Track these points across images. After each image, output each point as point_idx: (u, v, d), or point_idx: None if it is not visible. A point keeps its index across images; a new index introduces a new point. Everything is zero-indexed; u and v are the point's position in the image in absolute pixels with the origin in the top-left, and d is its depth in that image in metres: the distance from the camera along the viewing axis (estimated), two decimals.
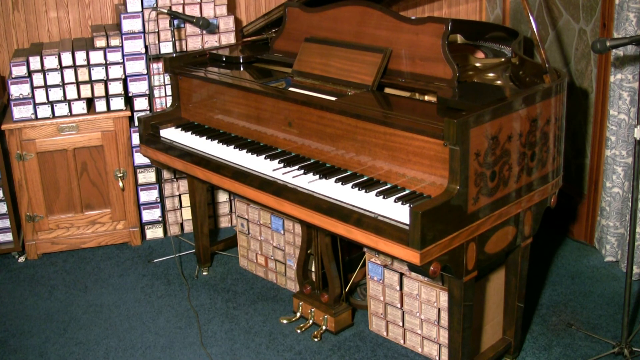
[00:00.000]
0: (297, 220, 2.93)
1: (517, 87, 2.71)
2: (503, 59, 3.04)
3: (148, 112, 3.92)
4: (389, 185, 2.50)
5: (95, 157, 3.89)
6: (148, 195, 4.02)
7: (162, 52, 3.89)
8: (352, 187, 2.49)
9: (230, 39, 3.99)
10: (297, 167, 2.70)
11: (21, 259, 3.93)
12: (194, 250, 3.86)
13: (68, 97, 3.78)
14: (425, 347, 2.98)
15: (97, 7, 4.23)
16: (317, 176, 2.61)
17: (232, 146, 2.98)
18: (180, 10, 3.87)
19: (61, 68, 3.73)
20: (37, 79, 3.72)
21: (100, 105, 3.83)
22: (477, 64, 3.04)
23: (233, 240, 3.89)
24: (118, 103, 3.85)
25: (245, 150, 2.92)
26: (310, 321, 3.19)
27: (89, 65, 3.77)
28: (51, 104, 3.77)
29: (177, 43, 3.93)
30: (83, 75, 3.78)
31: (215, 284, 3.63)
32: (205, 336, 3.19)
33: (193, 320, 3.31)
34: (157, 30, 3.85)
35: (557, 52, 4.00)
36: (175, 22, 3.87)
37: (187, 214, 4.13)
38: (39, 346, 3.17)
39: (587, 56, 3.72)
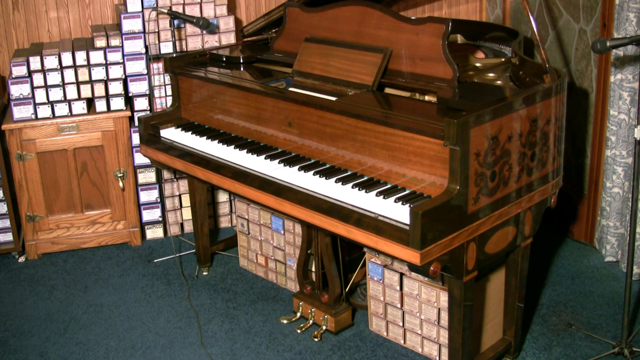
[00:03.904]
0: (297, 220, 2.93)
1: (517, 87, 2.71)
2: (503, 59, 3.04)
3: (148, 112, 3.92)
4: (389, 185, 2.50)
5: (95, 157, 3.89)
6: (148, 195, 4.02)
7: (162, 52, 3.89)
8: (352, 187, 2.49)
9: (231, 39, 3.99)
10: (297, 167, 2.71)
11: (21, 259, 3.93)
12: (194, 250, 3.86)
13: (68, 97, 3.78)
14: (426, 347, 2.98)
15: (97, 7, 4.23)
16: (317, 175, 2.62)
17: (232, 146, 2.98)
18: (180, 10, 3.87)
19: (61, 68, 3.73)
20: (37, 79, 3.72)
21: (101, 105, 3.83)
22: (477, 64, 3.04)
23: (233, 240, 3.89)
24: (118, 103, 3.85)
25: (246, 151, 2.92)
26: (311, 321, 3.19)
27: (89, 65, 3.77)
28: (51, 104, 3.77)
29: (177, 43, 3.93)
30: (83, 75, 3.78)
31: (215, 284, 3.63)
32: (205, 336, 3.19)
33: (193, 320, 3.31)
34: (157, 30, 3.85)
35: (557, 52, 4.00)
36: (176, 22, 3.87)
37: (187, 214, 4.13)
38: (39, 346, 3.17)
39: (587, 56, 3.72)
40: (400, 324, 3.04)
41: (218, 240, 4.05)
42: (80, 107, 3.81)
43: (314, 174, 2.63)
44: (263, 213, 3.53)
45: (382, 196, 2.40)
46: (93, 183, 3.94)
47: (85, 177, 3.92)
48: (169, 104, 3.92)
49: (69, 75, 3.75)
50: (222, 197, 4.20)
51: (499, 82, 2.81)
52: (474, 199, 2.32)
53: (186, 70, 3.33)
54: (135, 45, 3.82)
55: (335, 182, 2.55)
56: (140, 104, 3.91)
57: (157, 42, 3.87)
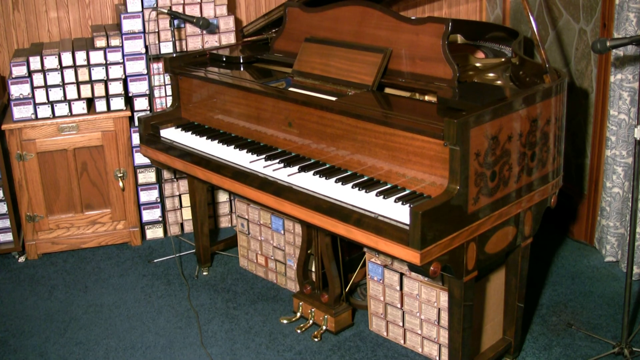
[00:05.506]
0: (297, 220, 2.93)
1: (517, 87, 2.71)
2: (503, 59, 3.04)
3: (148, 112, 3.92)
4: (389, 185, 2.50)
5: (95, 157, 3.89)
6: (148, 195, 4.02)
7: (162, 52, 3.89)
8: (352, 187, 2.49)
9: (231, 39, 3.99)
10: (297, 167, 2.71)
11: (21, 259, 3.93)
12: (194, 250, 3.86)
13: (68, 97, 3.78)
14: (426, 347, 2.98)
15: (97, 7, 4.23)
16: (318, 175, 2.62)
17: (232, 146, 2.98)
18: (180, 10, 3.87)
19: (61, 68, 3.73)
20: (37, 79, 3.72)
21: (101, 105, 3.83)
22: (477, 64, 3.04)
23: (233, 240, 3.89)
24: (118, 103, 3.85)
25: (246, 151, 2.92)
26: (311, 321, 3.19)
27: (89, 65, 3.77)
28: (51, 104, 3.77)
29: (177, 43, 3.93)
30: (83, 75, 3.78)
31: (215, 284, 3.63)
32: (205, 336, 3.19)
33: (193, 320, 3.31)
34: (157, 30, 3.85)
35: (557, 52, 4.00)
36: (176, 22, 3.87)
37: (187, 214, 4.13)
38: (39, 346, 3.17)
39: (587, 56, 3.72)
40: (400, 324, 3.04)
41: (218, 240, 4.05)
42: (80, 107, 3.81)
43: (314, 174, 2.63)
44: (263, 213, 3.53)
45: (382, 196, 2.40)
46: (93, 183, 3.94)
47: (85, 177, 3.92)
48: (169, 104, 3.93)
49: (69, 75, 3.75)
50: (222, 197, 4.20)
51: (499, 82, 2.81)
52: (474, 199, 2.32)
53: (186, 70, 3.33)
54: (135, 45, 3.82)
55: (335, 182, 2.55)
56: (140, 104, 3.91)
57: (157, 42, 3.87)
